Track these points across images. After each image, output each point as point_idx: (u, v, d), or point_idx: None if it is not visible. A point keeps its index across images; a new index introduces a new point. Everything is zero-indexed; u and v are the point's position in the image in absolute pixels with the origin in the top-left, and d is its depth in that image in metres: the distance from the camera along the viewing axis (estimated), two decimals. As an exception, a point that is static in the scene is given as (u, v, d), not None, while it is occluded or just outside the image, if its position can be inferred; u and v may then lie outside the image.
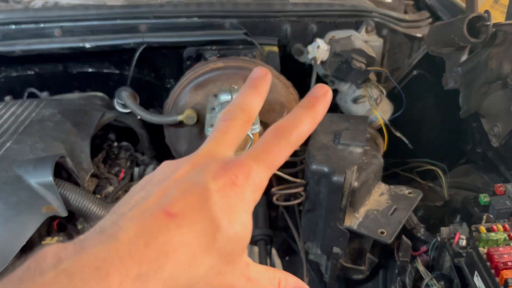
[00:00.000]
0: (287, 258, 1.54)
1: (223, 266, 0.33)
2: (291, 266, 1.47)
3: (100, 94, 1.40)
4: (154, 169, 1.37)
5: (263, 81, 0.41)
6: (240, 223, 0.33)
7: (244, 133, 0.39)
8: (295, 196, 1.20)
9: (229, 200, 0.33)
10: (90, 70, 1.48)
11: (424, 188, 1.41)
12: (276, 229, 1.52)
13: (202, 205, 0.32)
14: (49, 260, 0.28)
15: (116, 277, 0.27)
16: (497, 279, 0.83)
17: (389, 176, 1.45)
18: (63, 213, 0.96)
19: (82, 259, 0.28)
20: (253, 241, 1.37)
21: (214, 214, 0.32)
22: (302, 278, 1.26)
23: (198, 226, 0.31)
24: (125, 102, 1.28)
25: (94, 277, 0.27)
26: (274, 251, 1.63)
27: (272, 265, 1.68)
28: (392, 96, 1.42)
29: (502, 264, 0.84)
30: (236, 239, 0.33)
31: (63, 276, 0.26)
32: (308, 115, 0.38)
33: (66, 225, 1.08)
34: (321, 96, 0.39)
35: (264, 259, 1.33)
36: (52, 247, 0.29)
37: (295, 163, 1.29)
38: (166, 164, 0.37)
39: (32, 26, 1.34)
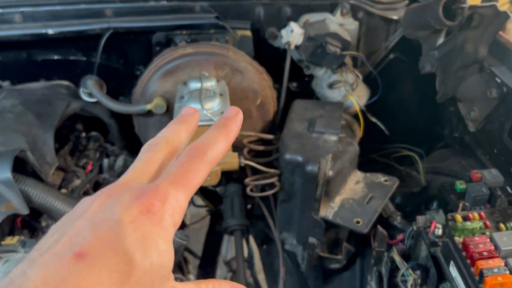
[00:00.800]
0: (264, 246, 1.52)
1: None
2: (268, 255, 1.45)
3: (65, 82, 1.34)
4: (124, 160, 1.34)
5: (192, 116, 0.42)
6: (156, 252, 0.32)
7: (166, 165, 0.38)
8: (271, 186, 1.18)
9: (144, 230, 0.32)
10: (55, 57, 1.41)
11: (401, 174, 1.39)
12: (253, 218, 1.49)
13: (114, 240, 0.31)
14: None
15: None
16: (473, 269, 0.82)
17: (366, 162, 1.43)
18: (24, 210, 0.92)
19: None
20: (229, 231, 1.34)
21: (127, 247, 0.31)
22: (278, 268, 1.24)
23: (111, 263, 0.30)
24: (91, 91, 1.22)
25: None
26: (252, 239, 1.61)
27: (250, 254, 1.66)
28: (369, 80, 1.39)
29: (477, 254, 0.82)
30: (153, 269, 0.32)
31: None
32: (222, 134, 0.39)
33: (30, 222, 1.03)
34: (233, 116, 0.40)
35: (240, 249, 1.31)
36: None
37: (271, 152, 1.26)
38: (83, 200, 0.36)
39: (-9, 11, 1.26)
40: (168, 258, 0.33)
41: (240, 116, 0.41)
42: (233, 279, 1.69)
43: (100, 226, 0.32)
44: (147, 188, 0.34)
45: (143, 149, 0.40)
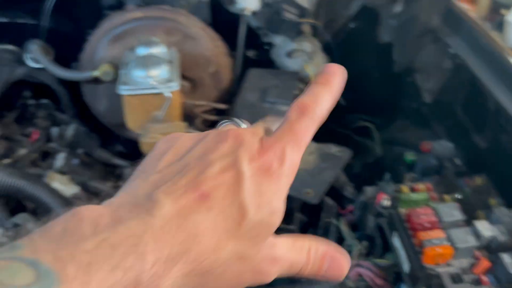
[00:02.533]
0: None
1: (247, 251, 0.33)
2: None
3: (11, 47, 1.28)
4: (76, 129, 1.30)
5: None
6: (268, 210, 0.33)
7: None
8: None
9: (261, 186, 0.33)
10: (2, 20, 1.34)
11: (359, 145, 1.39)
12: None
13: (235, 188, 0.32)
14: (87, 226, 0.28)
15: (151, 258, 0.28)
16: (414, 240, 0.82)
17: (325, 133, 1.42)
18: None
19: (120, 231, 0.28)
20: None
21: (242, 199, 0.32)
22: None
23: (227, 210, 0.31)
24: (36, 56, 1.17)
25: (133, 253, 0.27)
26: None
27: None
28: (329, 50, 1.36)
29: (419, 226, 0.83)
30: (262, 225, 0.33)
31: (104, 246, 0.27)
32: (326, 90, 0.38)
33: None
34: (335, 71, 0.39)
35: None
36: (88, 210, 0.29)
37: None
38: (210, 133, 0.36)
39: None
40: (277, 218, 0.34)
41: (343, 72, 0.39)
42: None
43: (227, 170, 0.33)
44: (267, 145, 0.34)
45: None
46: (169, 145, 0.36)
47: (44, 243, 0.27)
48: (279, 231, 1.10)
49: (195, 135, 0.37)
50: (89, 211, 0.29)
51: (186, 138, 0.37)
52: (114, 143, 1.45)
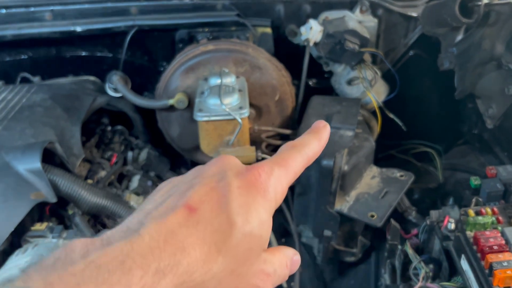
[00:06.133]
0: (283, 240, 1.54)
1: (240, 266, 0.34)
2: (286, 248, 1.48)
3: (92, 78, 1.39)
4: (148, 153, 1.39)
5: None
6: (258, 220, 0.35)
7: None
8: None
9: (248, 198, 0.35)
10: (83, 53, 1.47)
11: (419, 171, 1.40)
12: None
13: (222, 201, 0.34)
14: (78, 252, 0.30)
15: (138, 272, 0.29)
16: (483, 263, 0.83)
17: (385, 159, 1.45)
18: (52, 199, 0.97)
19: (108, 253, 0.30)
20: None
21: (231, 211, 0.34)
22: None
23: (215, 223, 0.33)
24: (116, 86, 1.27)
25: (119, 270, 0.29)
26: (271, 234, 1.64)
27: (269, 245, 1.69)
28: (388, 77, 1.40)
29: (487, 248, 0.83)
30: (253, 237, 0.34)
31: (91, 267, 0.29)
32: (315, 137, 0.43)
33: (58, 210, 1.09)
34: (322, 126, 0.44)
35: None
36: (81, 240, 0.31)
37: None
38: (198, 167, 0.40)
39: (23, 10, 1.33)
40: (267, 229, 0.36)
41: (328, 128, 0.45)
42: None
43: (214, 185, 0.35)
44: (256, 165, 0.37)
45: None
46: (166, 183, 0.38)
47: (36, 272, 0.29)
48: (342, 253, 1.17)
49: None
50: (82, 241, 0.31)
51: (183, 176, 0.39)
52: (182, 167, 1.54)
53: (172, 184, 0.37)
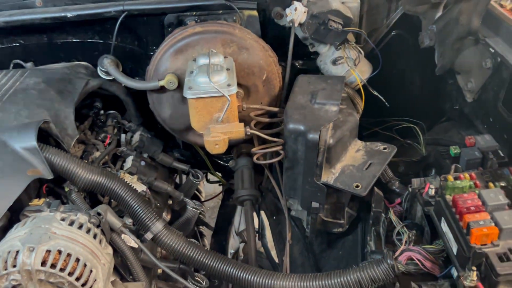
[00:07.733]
0: (274, 217, 1.59)
1: None
2: (277, 225, 1.53)
3: (84, 63, 1.43)
4: (141, 135, 1.42)
5: None
6: None
7: None
8: (276, 155, 1.25)
9: None
10: (74, 40, 1.50)
11: (403, 146, 1.45)
12: (264, 191, 1.57)
13: None
14: None
15: None
16: (461, 223, 0.87)
17: (370, 135, 1.49)
18: (49, 175, 1.00)
19: None
20: (240, 201, 1.42)
21: None
22: (285, 234, 1.31)
23: None
24: (107, 69, 1.31)
25: None
26: (262, 213, 1.69)
27: (261, 226, 1.74)
28: (371, 57, 1.44)
29: (465, 209, 0.88)
30: None
31: None
32: None
33: (54, 189, 1.12)
34: None
35: (250, 217, 1.38)
36: None
37: (277, 124, 1.33)
38: None
39: (13, -4, 1.35)
40: None
41: None
42: (244, 248, 1.78)
43: None
44: None
45: None
46: None
47: None
48: (330, 224, 1.23)
49: None
50: None
51: None
52: (173, 150, 1.58)
53: None
